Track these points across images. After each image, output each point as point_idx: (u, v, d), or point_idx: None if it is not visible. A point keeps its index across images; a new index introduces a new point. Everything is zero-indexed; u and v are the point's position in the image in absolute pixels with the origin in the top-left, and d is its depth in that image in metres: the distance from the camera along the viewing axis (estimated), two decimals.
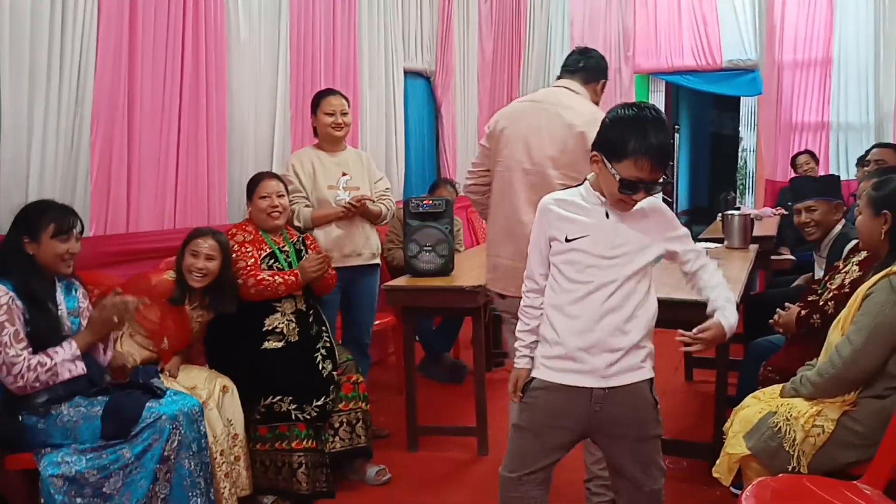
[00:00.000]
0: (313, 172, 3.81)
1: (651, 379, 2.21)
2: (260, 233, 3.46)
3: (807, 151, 6.54)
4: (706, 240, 4.99)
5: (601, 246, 2.09)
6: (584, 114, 2.79)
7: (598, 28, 7.89)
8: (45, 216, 2.64)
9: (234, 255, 3.29)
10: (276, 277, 3.31)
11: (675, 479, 3.39)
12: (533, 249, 2.21)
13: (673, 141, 9.79)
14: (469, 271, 3.97)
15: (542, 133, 2.82)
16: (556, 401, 2.14)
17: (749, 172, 9.20)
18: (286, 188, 3.54)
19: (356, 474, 3.43)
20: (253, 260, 3.33)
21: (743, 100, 8.25)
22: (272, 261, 3.41)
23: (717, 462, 2.55)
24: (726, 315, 2.15)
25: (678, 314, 3.36)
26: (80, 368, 2.57)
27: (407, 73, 5.80)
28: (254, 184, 3.48)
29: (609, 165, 2.03)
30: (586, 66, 3.09)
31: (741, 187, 9.22)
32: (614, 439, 2.19)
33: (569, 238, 2.11)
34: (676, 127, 11.09)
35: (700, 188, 13.12)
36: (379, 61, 5.34)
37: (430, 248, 3.78)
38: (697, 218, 11.60)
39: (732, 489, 3.10)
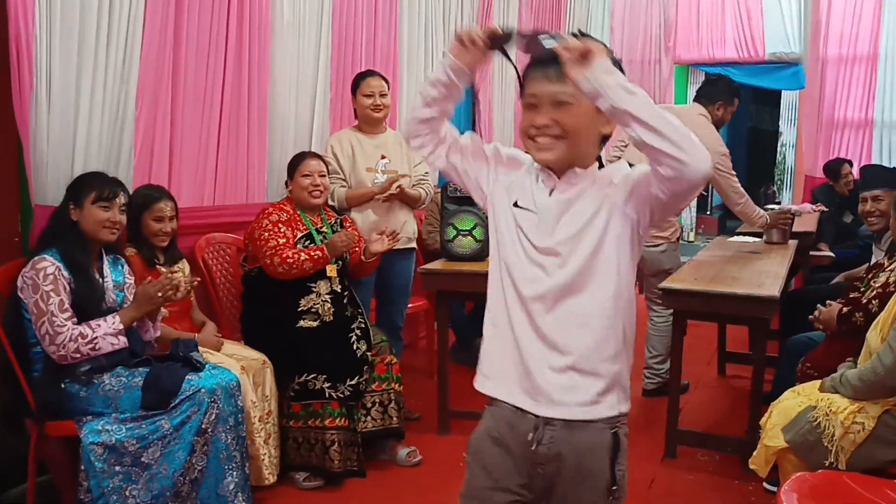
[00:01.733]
0: (352, 154, 3.82)
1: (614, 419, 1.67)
2: (298, 212, 3.48)
3: (844, 160, 6.38)
4: (744, 234, 4.94)
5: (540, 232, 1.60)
6: None
7: (638, 18, 7.81)
8: (89, 183, 2.70)
9: (265, 234, 3.31)
10: (302, 255, 3.32)
11: (708, 472, 3.38)
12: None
13: None
14: None
15: None
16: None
17: (788, 168, 9.10)
18: (327, 169, 3.56)
19: (387, 455, 3.45)
20: (285, 240, 3.34)
21: (784, 94, 8.16)
22: (309, 241, 3.43)
23: (754, 454, 2.53)
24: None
25: (717, 306, 3.36)
26: (121, 342, 2.61)
27: None
28: (296, 162, 3.49)
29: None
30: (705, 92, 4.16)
31: (779, 182, 9.12)
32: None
33: (518, 204, 1.64)
34: None
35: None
36: (419, 45, 5.34)
37: (466, 233, 3.78)
38: (732, 213, 11.48)
39: (766, 485, 3.08)
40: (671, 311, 4.41)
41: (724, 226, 10.42)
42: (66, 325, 2.52)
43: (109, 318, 2.61)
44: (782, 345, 3.91)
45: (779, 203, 5.39)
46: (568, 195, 1.59)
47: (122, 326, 2.62)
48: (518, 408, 1.64)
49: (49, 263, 2.54)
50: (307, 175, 3.44)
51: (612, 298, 1.57)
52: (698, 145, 1.40)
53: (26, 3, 2.68)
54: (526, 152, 1.66)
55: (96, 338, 2.56)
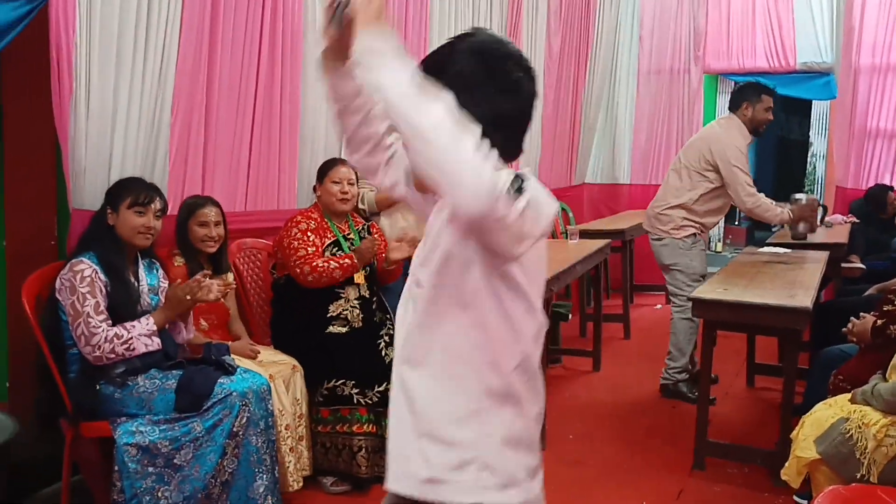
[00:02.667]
0: None
1: None
2: (325, 219, 3.50)
3: (888, 188, 6.26)
4: (774, 244, 4.90)
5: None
6: None
7: (668, 27, 7.78)
8: (126, 188, 2.75)
9: (294, 243, 3.34)
10: (331, 263, 3.34)
11: (737, 485, 3.36)
12: None
13: None
14: None
15: None
16: None
17: (818, 178, 9.00)
18: (356, 176, 3.58)
19: None
20: (314, 249, 3.37)
21: (814, 104, 8.06)
22: (336, 248, 3.45)
23: (786, 465, 2.51)
24: None
25: (747, 317, 3.34)
26: (155, 344, 2.65)
27: None
28: (328, 167, 3.52)
29: None
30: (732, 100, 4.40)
31: (809, 193, 9.03)
32: None
33: None
34: None
35: (765, 193, 12.84)
36: None
37: None
38: (760, 223, 11.36)
39: (796, 497, 3.05)
40: (681, 307, 4.45)
41: (753, 236, 10.32)
42: (101, 327, 2.56)
43: (143, 319, 2.66)
44: (813, 356, 3.87)
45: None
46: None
47: (155, 328, 2.66)
48: None
49: (86, 266, 2.59)
50: (337, 182, 3.46)
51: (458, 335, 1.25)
52: (470, 168, 1.05)
53: (67, 12, 2.73)
54: None
55: (131, 338, 2.60)
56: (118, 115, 3.01)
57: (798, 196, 4.57)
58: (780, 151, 12.97)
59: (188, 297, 2.71)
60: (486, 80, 1.30)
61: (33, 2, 2.65)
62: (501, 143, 1.23)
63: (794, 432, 2.58)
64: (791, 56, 7.37)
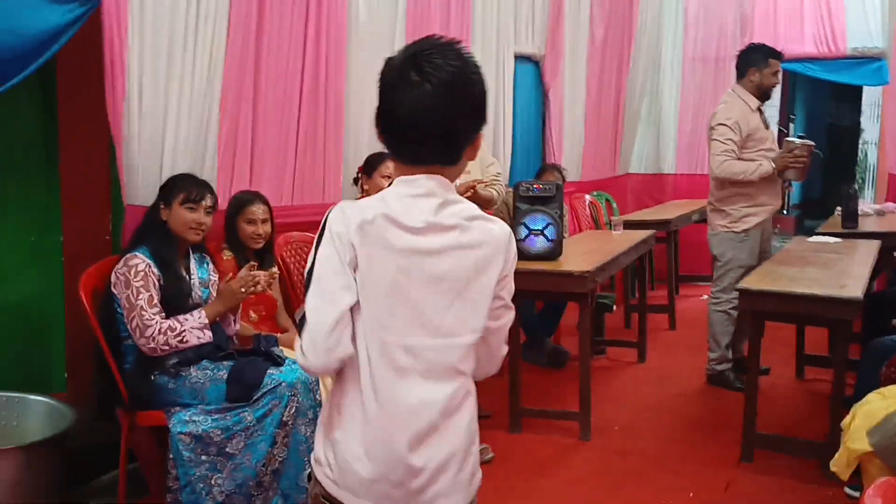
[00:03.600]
0: None
1: None
2: None
3: None
4: (824, 234, 4.82)
5: None
6: None
7: (713, 14, 7.66)
8: (178, 185, 2.81)
9: None
10: None
11: (786, 477, 3.32)
12: None
13: (787, 131, 9.42)
14: (576, 257, 3.97)
15: None
16: None
17: (870, 166, 8.80)
18: None
19: None
20: None
21: (866, 89, 7.88)
22: None
23: (836, 456, 2.48)
24: None
25: (796, 308, 3.30)
26: (206, 336, 2.71)
27: (517, 57, 5.80)
28: (377, 161, 3.56)
29: None
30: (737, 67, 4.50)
31: (860, 181, 8.83)
32: None
33: None
34: (792, 117, 10.69)
35: (813, 181, 12.59)
36: (490, 45, 5.36)
37: (538, 232, 3.80)
38: (809, 211, 11.17)
39: (847, 489, 3.02)
40: (717, 300, 4.42)
41: (802, 225, 10.14)
42: (154, 319, 2.63)
43: (196, 312, 2.72)
44: (864, 347, 3.80)
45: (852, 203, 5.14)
46: None
47: (207, 321, 2.72)
48: None
49: (140, 260, 2.66)
50: (386, 177, 3.50)
51: None
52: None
53: (120, 14, 2.81)
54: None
55: (184, 331, 2.67)
56: (169, 113, 3.09)
57: (790, 139, 4.43)
58: (831, 138, 12.71)
59: (242, 290, 2.77)
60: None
61: (86, 4, 2.73)
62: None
63: (846, 422, 2.54)
64: (841, 41, 7.19)
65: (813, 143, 4.40)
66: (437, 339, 1.42)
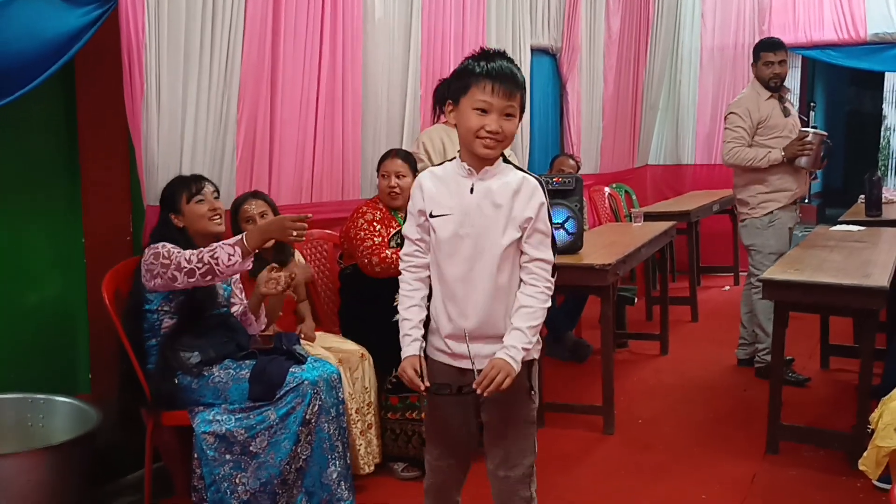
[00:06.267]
0: (443, 150, 3.85)
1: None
2: (389, 210, 3.53)
3: None
4: (847, 222, 4.77)
5: (461, 225, 2.02)
6: None
7: (731, 2, 7.60)
8: (176, 188, 2.82)
9: (360, 234, 3.37)
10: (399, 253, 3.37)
11: (814, 469, 3.29)
12: (409, 216, 2.16)
13: (808, 119, 9.31)
14: (597, 249, 3.95)
15: None
16: None
17: (892, 152, 8.68)
18: (412, 168, 3.56)
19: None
20: (380, 239, 3.40)
21: (887, 76, 7.76)
22: (401, 238, 3.47)
23: (864, 455, 2.43)
24: (511, 346, 2.00)
25: (820, 298, 3.26)
26: (237, 255, 2.59)
27: (533, 50, 5.78)
28: (380, 160, 3.54)
29: (461, 105, 1.99)
30: None
31: (883, 168, 8.71)
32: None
33: (433, 214, 2.05)
34: (812, 104, 10.56)
35: (835, 169, 12.45)
36: (506, 38, 5.34)
37: (559, 226, 3.77)
38: (831, 200, 11.04)
39: (877, 483, 2.97)
40: (759, 288, 4.38)
41: (824, 214, 10.03)
42: (182, 254, 2.59)
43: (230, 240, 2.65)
44: (891, 337, 3.76)
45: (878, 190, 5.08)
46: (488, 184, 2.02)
47: (240, 238, 2.62)
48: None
49: (165, 241, 2.67)
50: (384, 176, 3.47)
51: None
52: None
53: (136, 15, 2.82)
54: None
55: (215, 248, 2.60)
56: (187, 113, 3.10)
57: (803, 129, 4.47)
58: (852, 125, 12.56)
59: (274, 229, 2.67)
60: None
61: (103, 6, 2.74)
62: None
63: (873, 417, 2.50)
64: (861, 27, 7.09)
65: (825, 133, 4.42)
66: None
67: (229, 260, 2.59)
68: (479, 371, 1.98)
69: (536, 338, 2.04)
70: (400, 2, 4.26)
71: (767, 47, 4.61)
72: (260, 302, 2.91)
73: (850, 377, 4.24)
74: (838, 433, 3.47)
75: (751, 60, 4.67)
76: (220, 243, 2.62)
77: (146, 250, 2.69)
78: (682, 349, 5.11)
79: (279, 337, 2.94)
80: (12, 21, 2.48)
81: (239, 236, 2.64)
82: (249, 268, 2.70)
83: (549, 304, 2.06)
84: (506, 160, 2.06)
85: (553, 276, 2.10)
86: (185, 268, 2.58)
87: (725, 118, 4.62)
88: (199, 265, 2.58)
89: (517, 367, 1.98)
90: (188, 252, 2.61)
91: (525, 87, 2.02)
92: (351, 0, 3.87)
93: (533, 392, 2.13)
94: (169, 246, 2.63)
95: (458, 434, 2.20)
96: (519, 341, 1.99)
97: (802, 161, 4.40)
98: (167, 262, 2.61)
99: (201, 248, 2.63)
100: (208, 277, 2.60)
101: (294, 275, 2.94)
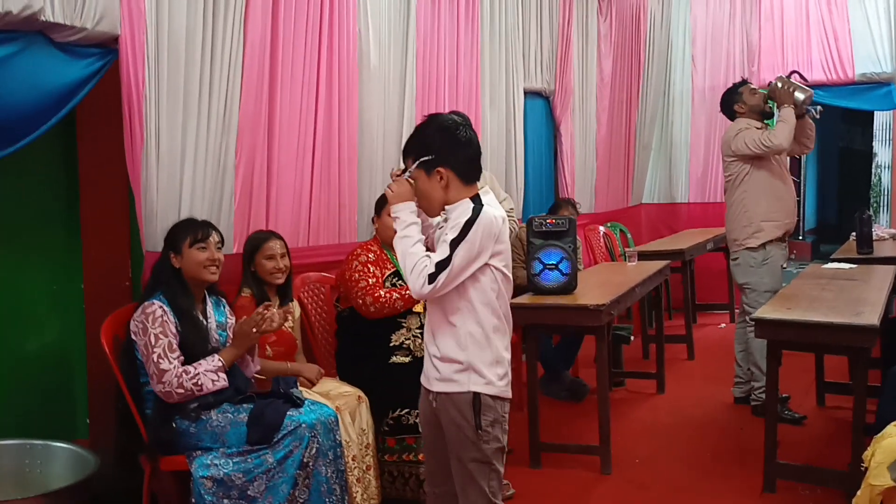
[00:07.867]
0: None
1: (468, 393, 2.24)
2: (385, 251, 3.58)
3: None
4: (838, 260, 4.81)
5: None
6: None
7: (720, 44, 7.74)
8: (183, 229, 2.87)
9: (355, 275, 3.42)
10: (394, 293, 3.42)
11: None
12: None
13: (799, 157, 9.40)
14: (592, 289, 3.98)
15: None
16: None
17: (883, 190, 8.76)
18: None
19: None
20: (374, 280, 3.44)
21: (877, 114, 7.87)
22: (396, 279, 3.52)
23: (858, 494, 2.45)
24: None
25: (813, 336, 3.29)
26: (221, 380, 2.72)
27: (526, 93, 5.87)
28: (384, 202, 3.60)
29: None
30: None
31: (874, 205, 8.78)
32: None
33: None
34: None
35: (828, 205, 12.55)
36: (500, 82, 5.44)
37: (553, 266, 3.82)
38: (825, 237, 11.11)
39: None
40: (743, 324, 4.42)
41: (819, 250, 10.09)
42: (172, 364, 2.66)
43: (210, 357, 2.75)
44: (885, 374, 3.77)
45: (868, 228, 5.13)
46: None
47: (221, 364, 2.74)
48: None
49: (157, 307, 2.70)
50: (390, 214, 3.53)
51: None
52: (412, 280, 2.18)
53: (137, 66, 2.88)
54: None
55: (198, 374, 2.68)
56: (186, 160, 3.15)
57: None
58: (844, 162, 12.68)
59: (254, 331, 2.80)
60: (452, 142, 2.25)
61: (104, 58, 2.81)
62: (465, 171, 2.25)
63: (866, 456, 2.52)
64: (849, 67, 7.21)
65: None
66: None
67: (214, 385, 2.71)
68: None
69: (413, 242, 2.21)
70: (395, 48, 4.35)
71: (742, 83, 4.69)
72: (253, 343, 2.93)
73: (846, 414, 4.25)
74: (835, 471, 3.48)
75: (732, 105, 4.61)
76: (202, 369, 2.70)
77: (138, 310, 2.74)
78: (678, 387, 5.12)
79: (277, 380, 2.96)
80: (15, 73, 2.53)
81: (217, 360, 2.74)
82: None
83: (413, 259, 2.19)
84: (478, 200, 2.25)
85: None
86: (165, 384, 2.65)
87: (734, 139, 4.48)
88: (180, 390, 2.66)
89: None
90: (172, 372, 2.65)
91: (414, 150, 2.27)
92: (347, 47, 3.95)
93: (481, 431, 2.22)
94: (160, 341, 2.67)
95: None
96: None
97: (799, 96, 4.43)
98: (145, 352, 2.68)
99: (185, 369, 2.68)
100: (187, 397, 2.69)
101: (290, 310, 2.98)
